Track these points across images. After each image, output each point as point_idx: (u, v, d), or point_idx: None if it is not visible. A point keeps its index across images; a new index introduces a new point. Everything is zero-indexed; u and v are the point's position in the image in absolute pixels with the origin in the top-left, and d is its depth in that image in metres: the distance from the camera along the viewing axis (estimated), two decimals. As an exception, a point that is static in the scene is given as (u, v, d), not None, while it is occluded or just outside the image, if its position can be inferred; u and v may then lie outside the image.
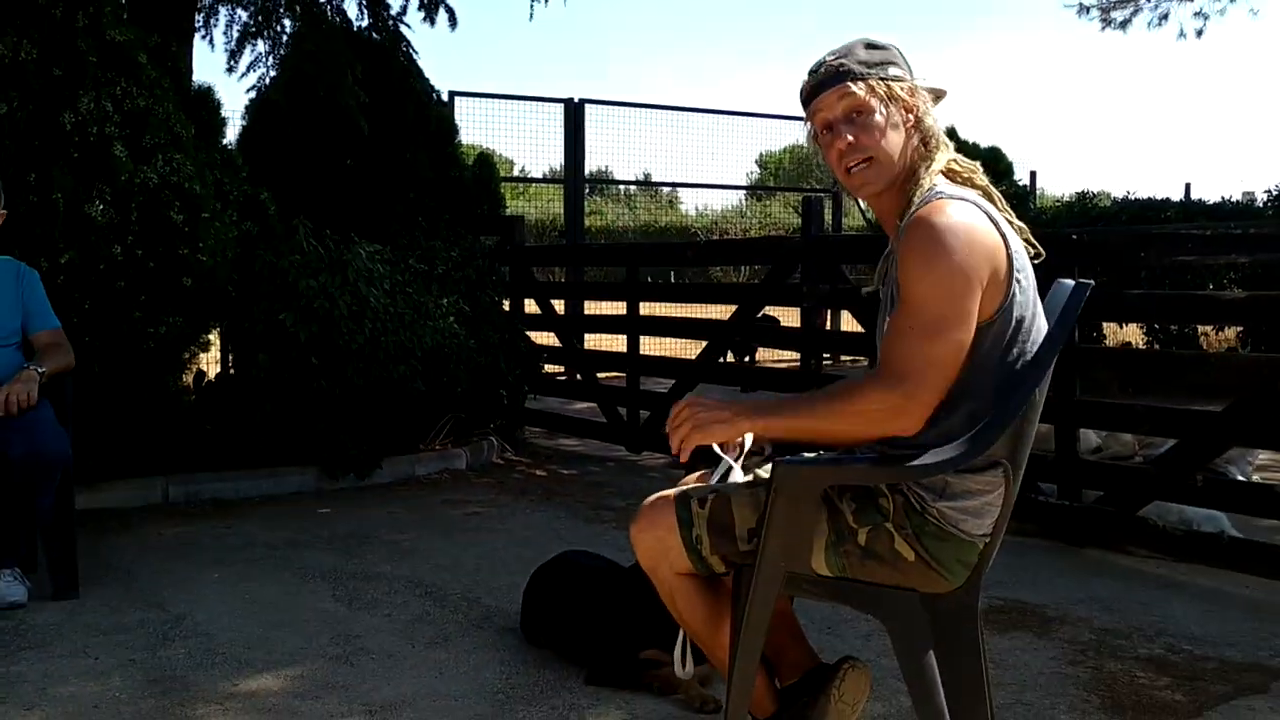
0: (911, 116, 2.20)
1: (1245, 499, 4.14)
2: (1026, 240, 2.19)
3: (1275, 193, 9.89)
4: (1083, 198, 11.02)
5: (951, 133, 12.69)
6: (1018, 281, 2.09)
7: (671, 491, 2.34)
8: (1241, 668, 3.25)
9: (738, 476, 2.35)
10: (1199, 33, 15.99)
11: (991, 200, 2.20)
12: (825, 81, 2.21)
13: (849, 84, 2.17)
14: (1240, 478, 4.85)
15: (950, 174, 2.20)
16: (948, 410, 2.11)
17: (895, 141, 2.18)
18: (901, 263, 2.10)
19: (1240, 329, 9.70)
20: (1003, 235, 2.09)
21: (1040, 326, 2.16)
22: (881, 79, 2.18)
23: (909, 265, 2.07)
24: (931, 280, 2.04)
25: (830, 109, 2.21)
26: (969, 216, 2.07)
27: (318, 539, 4.81)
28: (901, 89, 2.19)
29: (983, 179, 2.23)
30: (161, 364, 5.01)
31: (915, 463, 2.07)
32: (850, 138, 2.19)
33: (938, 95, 2.26)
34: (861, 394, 2.08)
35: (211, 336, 6.04)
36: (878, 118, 2.17)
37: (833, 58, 2.22)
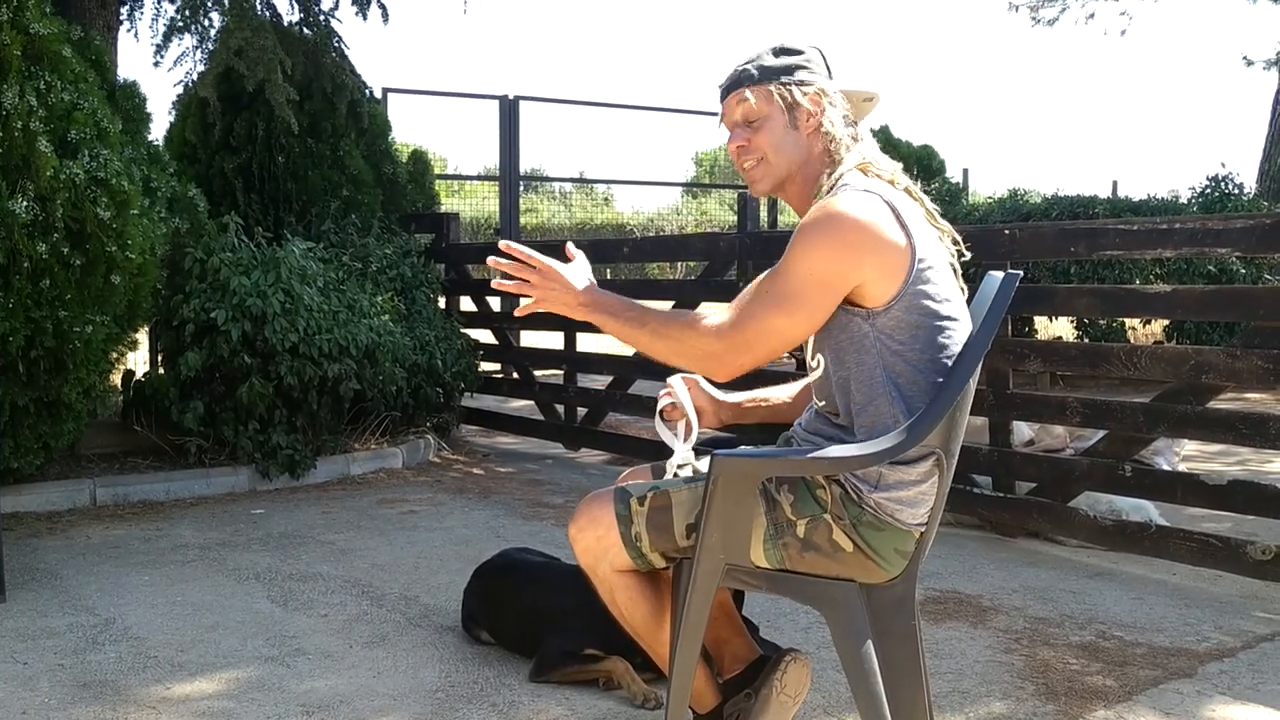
0: (813, 122, 2.26)
1: (1171, 488, 4.23)
2: (953, 239, 2.27)
3: (1198, 190, 10.10)
4: (1014, 195, 11.17)
5: (884, 132, 12.85)
6: (922, 274, 2.12)
7: (610, 489, 2.34)
8: (1169, 653, 3.32)
9: (680, 454, 2.44)
10: (1122, 32, 16.40)
11: (912, 197, 2.25)
12: (727, 87, 2.33)
13: (745, 90, 2.28)
14: (1166, 467, 4.95)
15: (865, 173, 2.24)
16: (876, 400, 2.16)
17: (789, 145, 2.27)
18: (791, 238, 2.17)
19: (1166, 322, 9.89)
20: (905, 228, 2.13)
21: (966, 319, 2.21)
22: (782, 84, 2.26)
23: (794, 240, 2.15)
24: (803, 257, 2.12)
25: (730, 113, 2.33)
26: (864, 209, 2.11)
27: (251, 540, 4.74)
28: (804, 94, 2.26)
29: (903, 179, 2.28)
30: (89, 363, 4.91)
31: (853, 453, 2.10)
32: (743, 140, 2.30)
33: (866, 98, 2.34)
34: (694, 332, 2.18)
35: (140, 335, 5.94)
36: (771, 123, 2.27)
37: (738, 64, 2.32)
